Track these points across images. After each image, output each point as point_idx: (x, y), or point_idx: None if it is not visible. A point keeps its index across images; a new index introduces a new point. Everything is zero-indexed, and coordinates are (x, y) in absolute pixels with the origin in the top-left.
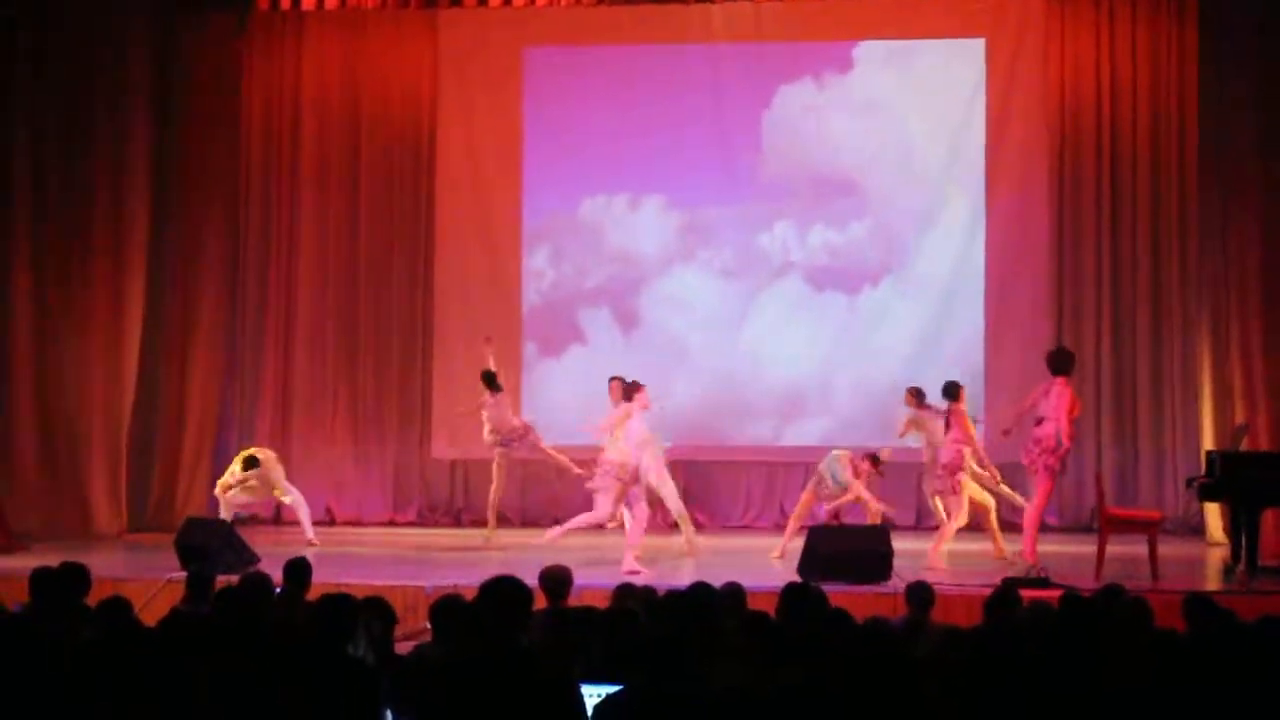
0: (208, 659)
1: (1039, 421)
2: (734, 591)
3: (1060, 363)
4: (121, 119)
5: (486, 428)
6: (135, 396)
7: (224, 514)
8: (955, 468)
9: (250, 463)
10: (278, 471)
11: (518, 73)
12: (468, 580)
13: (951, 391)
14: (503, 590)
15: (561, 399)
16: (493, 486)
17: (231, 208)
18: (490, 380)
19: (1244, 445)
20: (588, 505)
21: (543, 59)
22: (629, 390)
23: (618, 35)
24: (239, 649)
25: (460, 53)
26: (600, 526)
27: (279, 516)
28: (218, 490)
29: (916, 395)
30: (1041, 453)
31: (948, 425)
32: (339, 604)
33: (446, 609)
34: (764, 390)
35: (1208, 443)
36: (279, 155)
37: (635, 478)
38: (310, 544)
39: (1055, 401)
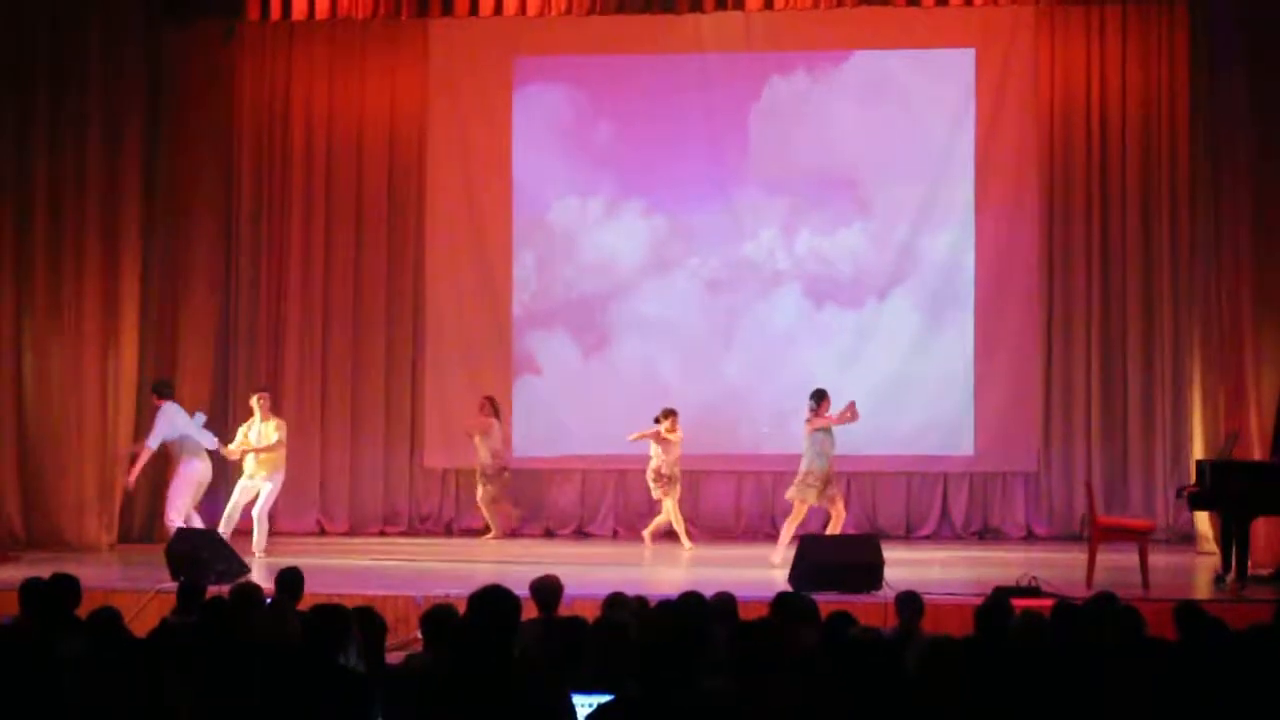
0: (197, 670)
1: None
2: (725, 601)
3: None
4: (111, 125)
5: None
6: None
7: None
8: None
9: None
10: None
11: (508, 82)
12: (459, 590)
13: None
14: (493, 600)
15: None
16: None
17: (222, 216)
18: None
19: (1234, 454)
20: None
21: (533, 69)
22: None
23: (608, 46)
24: (228, 659)
25: (451, 62)
26: None
27: (270, 527)
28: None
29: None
30: None
31: None
32: (331, 614)
33: (437, 618)
34: (755, 401)
35: (1198, 452)
36: (269, 163)
37: None
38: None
39: None
